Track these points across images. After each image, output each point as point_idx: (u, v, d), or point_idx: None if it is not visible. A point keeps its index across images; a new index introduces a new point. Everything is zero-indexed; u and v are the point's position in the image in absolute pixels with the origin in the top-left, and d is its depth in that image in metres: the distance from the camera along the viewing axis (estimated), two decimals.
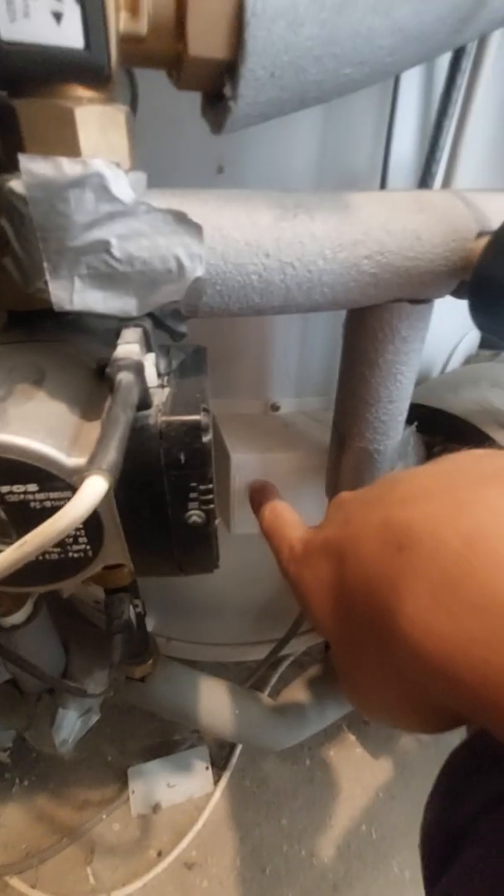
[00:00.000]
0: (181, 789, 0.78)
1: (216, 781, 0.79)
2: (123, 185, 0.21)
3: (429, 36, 0.24)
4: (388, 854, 0.73)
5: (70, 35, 0.18)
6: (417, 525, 0.15)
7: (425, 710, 0.17)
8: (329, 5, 0.21)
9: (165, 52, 0.21)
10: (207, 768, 0.80)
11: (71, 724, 0.62)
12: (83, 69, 0.19)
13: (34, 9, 0.18)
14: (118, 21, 0.19)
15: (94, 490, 0.16)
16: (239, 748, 0.82)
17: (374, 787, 0.80)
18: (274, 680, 0.87)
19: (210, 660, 0.76)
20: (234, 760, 0.81)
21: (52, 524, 0.16)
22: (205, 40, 0.20)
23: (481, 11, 0.24)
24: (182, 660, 0.65)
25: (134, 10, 0.19)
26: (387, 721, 0.19)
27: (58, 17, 0.18)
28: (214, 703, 0.63)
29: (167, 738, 0.84)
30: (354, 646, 0.18)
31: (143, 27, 0.20)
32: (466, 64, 0.35)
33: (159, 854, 0.72)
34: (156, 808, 0.76)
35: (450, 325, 0.56)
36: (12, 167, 0.20)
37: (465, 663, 0.13)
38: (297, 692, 0.66)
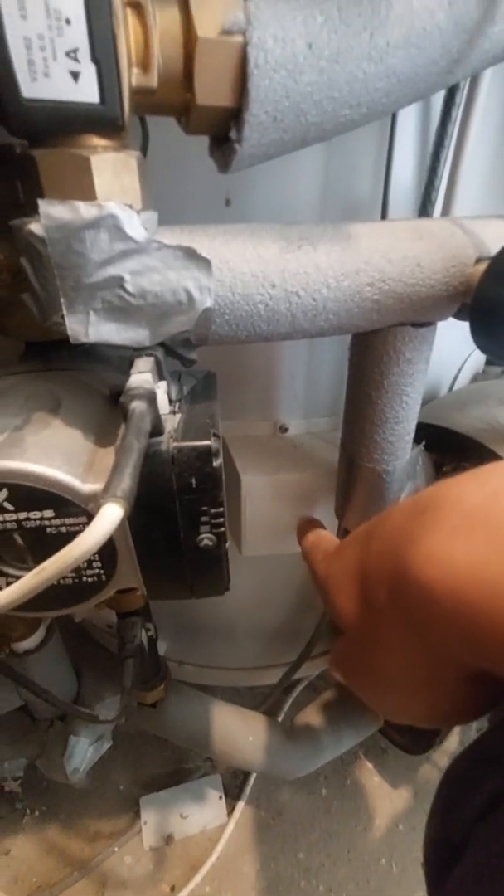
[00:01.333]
0: (194, 820, 0.76)
1: (230, 812, 0.77)
2: (136, 225, 0.22)
3: (422, 78, 0.25)
4: (409, 889, 0.70)
5: (87, 92, 0.20)
6: (444, 490, 0.16)
7: (443, 680, 0.17)
8: (327, 54, 0.22)
9: (175, 101, 0.23)
10: (221, 798, 0.78)
11: (83, 752, 0.61)
12: (99, 121, 0.21)
13: (54, 69, 0.19)
14: (131, 76, 0.21)
15: (110, 517, 0.17)
16: (253, 776, 0.80)
17: (394, 817, 0.77)
18: (287, 705, 0.86)
19: (222, 684, 0.75)
20: (248, 789, 0.79)
21: (70, 551, 0.17)
22: (211, 90, 0.22)
23: (471, 54, 0.26)
24: (194, 684, 0.65)
25: (145, 65, 0.21)
26: (406, 713, 0.20)
27: (75, 76, 0.19)
28: (227, 729, 0.62)
29: (180, 766, 0.82)
30: (372, 626, 0.18)
31: (153, 81, 0.21)
32: (460, 98, 0.36)
33: (172, 889, 0.70)
34: (168, 839, 0.74)
35: (456, 344, 0.57)
36: (32, 210, 0.21)
37: (477, 585, 0.14)
38: (311, 717, 0.65)
